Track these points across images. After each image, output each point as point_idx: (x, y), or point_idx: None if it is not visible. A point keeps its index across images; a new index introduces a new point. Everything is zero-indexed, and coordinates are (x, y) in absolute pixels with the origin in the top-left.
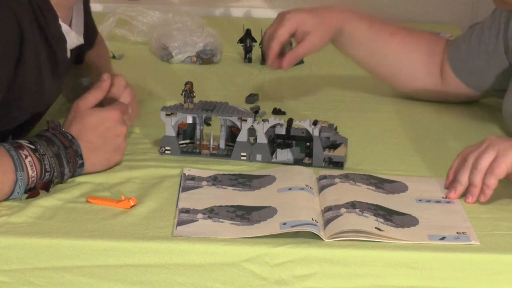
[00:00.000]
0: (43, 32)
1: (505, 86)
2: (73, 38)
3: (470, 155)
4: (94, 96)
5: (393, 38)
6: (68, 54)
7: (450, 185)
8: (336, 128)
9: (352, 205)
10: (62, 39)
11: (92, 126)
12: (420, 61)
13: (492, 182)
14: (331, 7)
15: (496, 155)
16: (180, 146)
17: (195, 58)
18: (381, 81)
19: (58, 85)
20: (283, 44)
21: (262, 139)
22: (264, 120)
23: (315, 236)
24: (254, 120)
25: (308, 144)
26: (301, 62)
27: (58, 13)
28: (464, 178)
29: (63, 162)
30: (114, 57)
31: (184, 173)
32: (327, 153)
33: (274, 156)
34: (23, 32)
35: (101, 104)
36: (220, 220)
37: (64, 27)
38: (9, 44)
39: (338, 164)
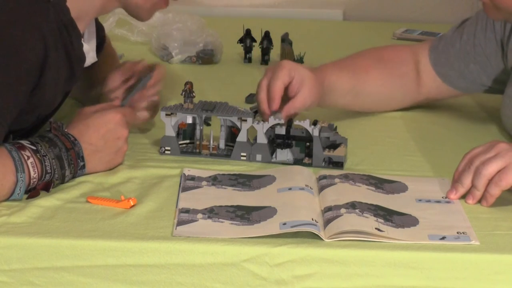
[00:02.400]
0: (68, 52)
1: (499, 86)
2: (90, 57)
3: (476, 158)
4: (100, 105)
5: (369, 74)
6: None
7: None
8: (336, 128)
9: (352, 206)
10: (83, 59)
11: (94, 127)
12: (396, 86)
13: (497, 192)
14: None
15: (505, 166)
16: (180, 146)
17: (195, 58)
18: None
19: (63, 99)
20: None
21: (262, 139)
22: (263, 120)
23: (315, 236)
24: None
25: (308, 144)
26: (301, 62)
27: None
28: (467, 181)
29: (64, 164)
30: None
31: (184, 173)
32: (327, 153)
33: (274, 156)
34: (47, 57)
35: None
36: (220, 220)
37: (85, 46)
38: (31, 68)
39: (338, 164)
